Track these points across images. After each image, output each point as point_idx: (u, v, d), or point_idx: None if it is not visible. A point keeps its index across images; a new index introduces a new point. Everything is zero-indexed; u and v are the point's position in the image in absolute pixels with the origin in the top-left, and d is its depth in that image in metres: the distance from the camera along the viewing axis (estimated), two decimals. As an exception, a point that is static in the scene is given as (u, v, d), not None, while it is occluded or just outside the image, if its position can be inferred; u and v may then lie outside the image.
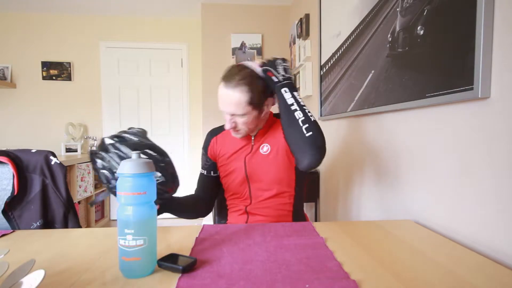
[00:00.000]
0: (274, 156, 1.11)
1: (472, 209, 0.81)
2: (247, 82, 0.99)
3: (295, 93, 0.98)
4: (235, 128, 1.06)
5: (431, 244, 0.79)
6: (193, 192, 1.23)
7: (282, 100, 0.97)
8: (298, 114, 0.94)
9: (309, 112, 0.96)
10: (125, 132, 0.86)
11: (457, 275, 0.60)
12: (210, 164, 1.20)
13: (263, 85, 1.03)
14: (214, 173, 1.21)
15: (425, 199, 1.00)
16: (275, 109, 1.17)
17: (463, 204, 0.84)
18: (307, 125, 0.93)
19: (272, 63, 1.02)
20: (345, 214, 1.72)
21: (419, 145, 1.03)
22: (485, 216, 0.77)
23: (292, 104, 0.95)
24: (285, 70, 1.02)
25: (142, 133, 0.86)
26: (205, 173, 1.22)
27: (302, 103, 0.96)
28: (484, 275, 0.61)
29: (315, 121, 0.95)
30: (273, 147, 1.11)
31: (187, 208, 1.11)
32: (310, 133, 0.92)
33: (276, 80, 1.00)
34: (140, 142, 0.82)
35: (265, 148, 1.12)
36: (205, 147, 1.21)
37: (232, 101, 1.00)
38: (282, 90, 0.97)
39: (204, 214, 1.16)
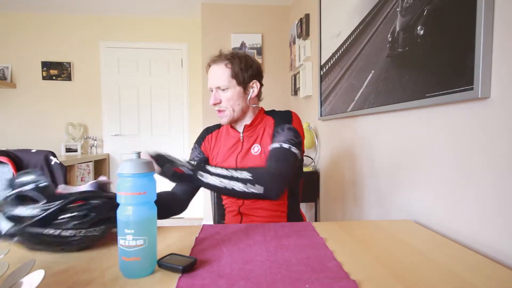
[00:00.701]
0: (264, 157, 1.10)
1: (472, 209, 0.81)
2: (231, 57, 1.07)
3: (210, 169, 0.88)
4: (219, 103, 1.08)
5: (431, 244, 0.79)
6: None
7: (209, 186, 0.87)
8: (238, 186, 0.86)
9: (234, 172, 0.87)
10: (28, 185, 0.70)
11: (457, 275, 0.60)
12: (201, 158, 1.19)
13: (247, 65, 1.08)
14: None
15: (425, 199, 1.00)
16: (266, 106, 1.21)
17: (463, 204, 0.84)
18: (246, 186, 0.86)
19: (160, 157, 0.88)
20: (345, 214, 1.72)
21: (419, 145, 1.03)
22: (485, 216, 0.77)
23: (221, 182, 0.86)
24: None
25: (48, 189, 0.70)
26: (194, 163, 1.15)
27: (223, 173, 0.87)
28: (484, 275, 0.61)
29: (246, 174, 0.87)
30: (263, 148, 1.11)
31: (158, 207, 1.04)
32: (251, 189, 0.87)
33: (187, 171, 0.87)
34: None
35: (256, 149, 1.12)
36: (199, 142, 1.22)
37: (216, 73, 1.07)
38: (199, 177, 0.86)
39: (176, 213, 1.08)
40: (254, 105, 1.15)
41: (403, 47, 1.09)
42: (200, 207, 3.56)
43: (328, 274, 0.60)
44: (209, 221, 3.14)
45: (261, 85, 1.15)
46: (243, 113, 1.13)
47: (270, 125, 1.13)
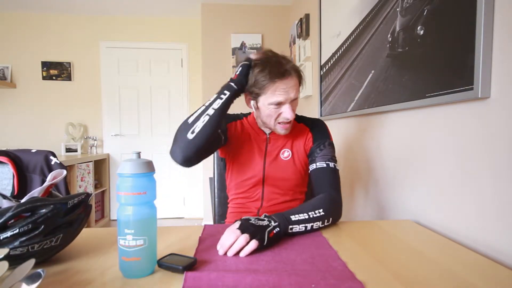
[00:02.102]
0: (294, 163, 1.09)
1: (472, 209, 0.81)
2: (296, 68, 1.01)
3: (293, 217, 0.84)
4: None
5: (431, 244, 0.79)
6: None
7: (298, 233, 0.85)
8: (317, 225, 0.87)
9: (315, 212, 0.88)
10: None
11: (457, 275, 0.60)
12: (224, 129, 1.09)
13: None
14: (224, 139, 1.09)
15: (425, 199, 1.00)
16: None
17: (463, 204, 0.84)
18: (325, 220, 0.89)
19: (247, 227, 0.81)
20: (345, 214, 1.72)
21: (419, 145, 1.03)
22: (485, 216, 0.77)
23: (306, 227, 0.85)
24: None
25: None
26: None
27: (306, 217, 0.86)
28: (484, 275, 0.61)
29: (324, 208, 0.89)
30: (294, 153, 1.10)
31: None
32: (331, 219, 0.91)
33: (277, 231, 0.82)
34: None
35: (285, 154, 1.10)
36: (229, 119, 1.13)
37: (294, 85, 0.99)
38: (289, 232, 0.83)
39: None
40: None
41: (403, 47, 1.09)
42: (200, 207, 3.58)
43: (334, 274, 0.60)
44: (209, 221, 3.14)
45: None
46: None
47: (304, 133, 1.11)
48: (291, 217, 0.83)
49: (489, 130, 0.75)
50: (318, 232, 0.85)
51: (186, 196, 3.73)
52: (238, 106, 1.11)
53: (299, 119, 1.15)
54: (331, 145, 1.08)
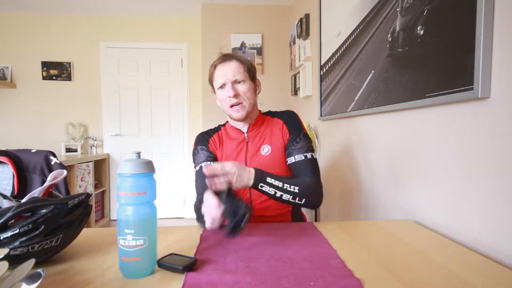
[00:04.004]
0: (274, 157, 1.11)
1: (472, 209, 0.81)
2: (238, 57, 1.11)
3: (268, 179, 0.94)
4: (237, 96, 1.08)
5: (431, 244, 0.79)
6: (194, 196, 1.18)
7: (266, 193, 0.95)
8: (286, 196, 0.95)
9: (290, 186, 0.96)
10: None
11: (457, 275, 0.60)
12: (214, 157, 1.16)
13: (252, 64, 1.14)
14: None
15: (425, 199, 1.00)
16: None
17: (463, 204, 0.84)
18: (297, 198, 0.96)
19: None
20: (345, 214, 1.72)
21: (419, 145, 1.03)
22: (485, 216, 0.77)
23: (275, 194, 0.94)
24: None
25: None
26: (210, 163, 1.13)
27: (280, 185, 0.94)
28: (484, 275, 0.61)
29: (300, 188, 0.96)
30: (274, 148, 1.12)
31: None
32: (304, 199, 0.97)
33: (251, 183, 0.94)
34: None
35: (265, 149, 1.13)
36: (204, 143, 1.18)
37: (232, 68, 1.08)
38: (259, 187, 0.93)
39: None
40: (259, 103, 1.18)
41: (403, 47, 1.09)
42: (200, 207, 3.55)
43: (332, 272, 0.60)
44: (209, 221, 3.14)
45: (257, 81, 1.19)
46: (253, 109, 1.14)
47: (279, 127, 1.14)
48: (268, 178, 0.93)
49: (489, 130, 0.75)
50: (317, 231, 0.86)
51: (186, 196, 3.73)
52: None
53: (272, 114, 1.21)
54: (306, 136, 1.13)
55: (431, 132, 0.97)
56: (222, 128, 1.22)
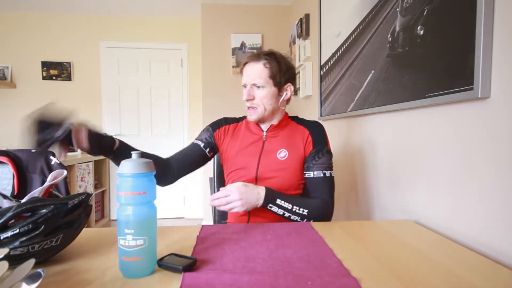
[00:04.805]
0: (290, 163, 1.10)
1: (472, 209, 0.81)
2: (269, 58, 1.08)
3: (278, 201, 0.98)
4: (252, 100, 1.09)
5: (431, 244, 0.79)
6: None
7: (274, 212, 1.00)
8: (294, 217, 0.99)
9: (299, 208, 0.99)
10: None
11: (457, 275, 0.60)
12: (210, 142, 1.17)
13: (285, 68, 1.10)
14: (208, 151, 1.17)
15: (425, 199, 1.00)
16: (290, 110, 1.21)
17: (463, 204, 0.84)
18: (305, 219, 0.99)
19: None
20: (345, 214, 1.72)
21: (419, 145, 1.03)
22: (485, 216, 0.77)
23: (283, 214, 0.98)
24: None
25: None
26: (199, 144, 1.17)
27: (289, 207, 0.98)
28: (484, 275, 0.61)
29: (310, 211, 0.99)
30: (291, 154, 1.10)
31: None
32: (311, 220, 1.00)
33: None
34: None
35: (282, 154, 1.11)
36: (214, 127, 1.19)
37: (254, 71, 1.08)
38: (268, 207, 0.98)
39: (160, 182, 1.09)
40: (283, 107, 1.16)
41: (403, 47, 1.09)
42: (200, 207, 3.57)
43: (329, 271, 0.60)
44: (209, 221, 3.14)
45: (293, 84, 1.16)
46: (273, 114, 1.13)
47: (303, 136, 1.13)
48: (278, 200, 0.97)
49: (489, 130, 0.75)
50: (314, 231, 0.86)
51: (186, 196, 3.73)
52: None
53: (299, 120, 1.18)
54: (329, 152, 1.13)
55: (431, 132, 0.97)
56: (245, 120, 1.21)
